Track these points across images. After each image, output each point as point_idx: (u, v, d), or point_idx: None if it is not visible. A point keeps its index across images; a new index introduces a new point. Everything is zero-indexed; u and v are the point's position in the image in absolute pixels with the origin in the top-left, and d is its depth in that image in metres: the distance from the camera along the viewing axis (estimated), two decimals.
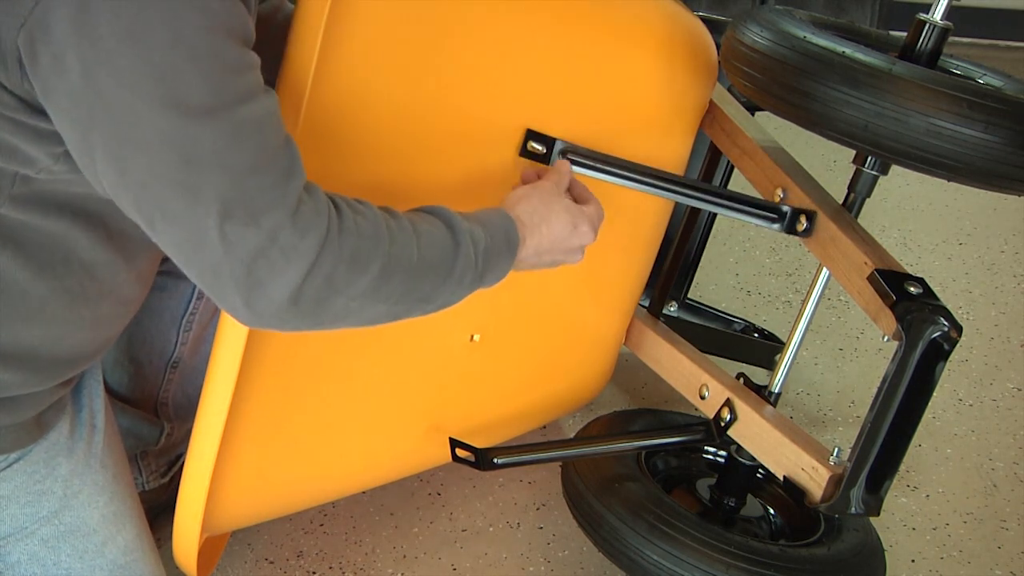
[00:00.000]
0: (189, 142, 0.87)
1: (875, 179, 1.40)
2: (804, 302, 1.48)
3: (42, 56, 0.86)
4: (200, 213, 0.89)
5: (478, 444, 1.47)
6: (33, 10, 0.85)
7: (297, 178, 0.94)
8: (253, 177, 0.90)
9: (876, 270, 1.30)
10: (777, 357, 1.51)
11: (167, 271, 1.41)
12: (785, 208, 1.40)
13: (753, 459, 1.48)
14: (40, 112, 0.92)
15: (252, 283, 0.92)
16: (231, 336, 1.14)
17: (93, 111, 0.86)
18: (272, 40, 1.10)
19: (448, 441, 1.47)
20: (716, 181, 1.87)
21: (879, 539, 1.52)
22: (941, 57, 1.35)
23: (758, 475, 1.57)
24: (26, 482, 1.14)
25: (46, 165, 0.97)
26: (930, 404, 1.28)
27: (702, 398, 1.56)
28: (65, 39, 0.84)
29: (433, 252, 1.04)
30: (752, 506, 1.59)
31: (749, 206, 1.40)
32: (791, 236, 1.40)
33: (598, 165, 1.35)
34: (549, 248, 1.19)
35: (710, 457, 1.68)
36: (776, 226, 1.40)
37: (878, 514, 1.33)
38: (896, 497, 1.83)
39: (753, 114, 1.61)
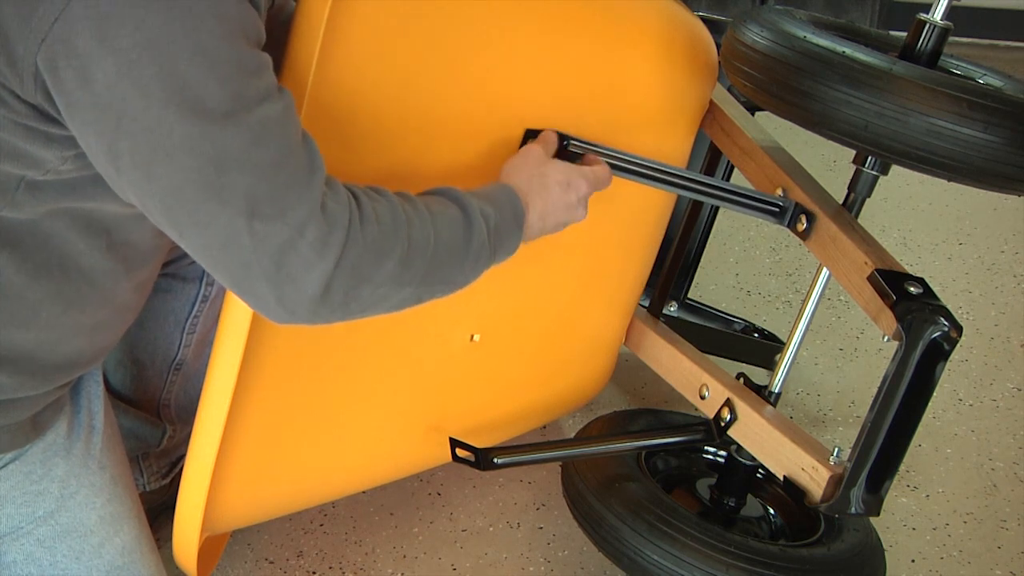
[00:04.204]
0: (214, 145, 0.89)
1: (875, 179, 1.40)
2: (804, 302, 1.48)
3: (64, 71, 0.87)
4: (229, 214, 0.91)
5: (478, 444, 1.47)
6: (53, 26, 0.85)
7: (319, 172, 0.96)
8: (278, 174, 0.92)
9: (876, 270, 1.30)
10: (777, 357, 1.51)
11: (171, 273, 1.41)
12: (787, 203, 1.40)
13: (753, 459, 1.48)
14: (52, 119, 0.92)
15: (283, 278, 0.94)
16: (231, 336, 1.14)
17: (119, 122, 0.87)
18: (275, 40, 1.11)
19: (448, 441, 1.47)
20: None
21: (879, 539, 1.52)
22: (941, 57, 1.35)
23: (758, 475, 1.57)
24: (22, 482, 1.14)
25: (53, 166, 0.97)
26: (930, 404, 1.28)
27: (702, 398, 1.56)
28: (88, 52, 0.85)
29: (449, 233, 1.07)
30: (752, 506, 1.59)
31: (751, 200, 1.40)
32: (791, 236, 1.40)
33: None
34: (552, 209, 1.21)
35: (710, 457, 1.68)
36: (775, 219, 1.40)
37: (878, 514, 1.33)
38: (896, 497, 1.83)
39: (753, 114, 1.61)
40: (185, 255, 1.40)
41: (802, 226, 1.39)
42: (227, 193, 0.90)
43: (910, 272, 1.31)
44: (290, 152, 0.94)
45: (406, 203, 1.04)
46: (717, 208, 1.93)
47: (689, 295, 2.10)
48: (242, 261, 0.93)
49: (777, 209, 1.40)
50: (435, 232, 1.05)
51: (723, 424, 1.50)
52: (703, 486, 1.60)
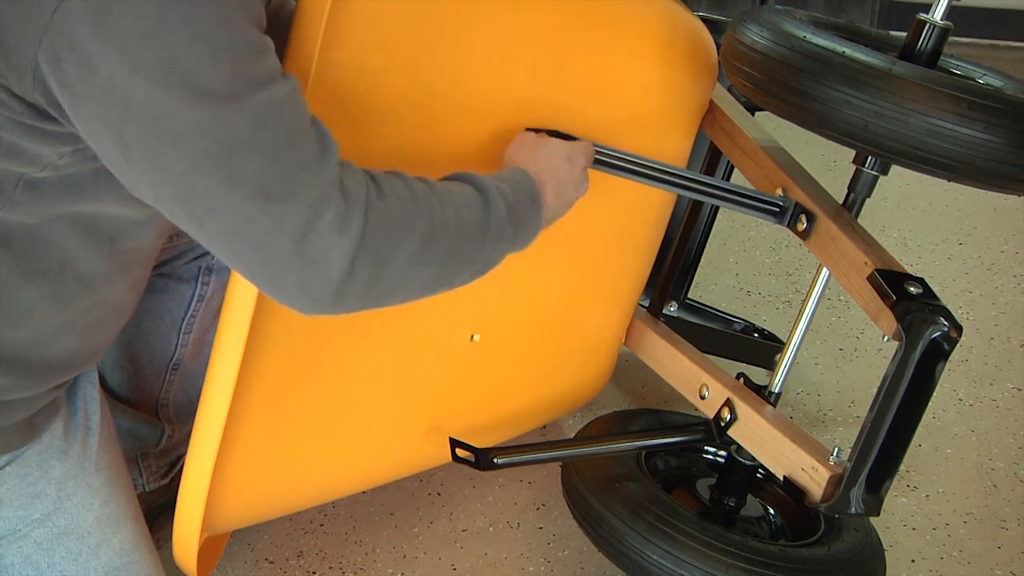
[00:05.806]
0: (220, 128, 0.88)
1: (875, 179, 1.40)
2: (804, 302, 1.47)
3: (67, 64, 0.86)
4: (242, 197, 0.90)
5: (478, 444, 1.47)
6: (52, 19, 0.85)
7: (331, 152, 0.95)
8: (287, 154, 0.91)
9: (876, 270, 1.30)
10: (777, 357, 1.50)
11: (167, 273, 1.41)
12: (787, 203, 1.40)
13: (753, 459, 1.48)
14: (49, 117, 0.92)
15: (304, 261, 0.92)
16: (232, 336, 1.14)
17: (124, 112, 0.87)
18: (276, 40, 1.11)
19: (448, 441, 1.47)
20: None
21: (879, 539, 1.52)
22: (941, 57, 1.35)
23: (758, 475, 1.57)
24: (19, 484, 1.14)
25: (51, 161, 0.97)
26: (930, 404, 1.28)
27: (702, 398, 1.56)
28: (89, 45, 0.85)
29: (468, 210, 1.06)
30: (752, 506, 1.59)
31: (751, 200, 1.40)
32: (791, 236, 1.40)
33: (600, 158, 1.35)
34: (564, 186, 1.22)
35: (710, 457, 1.68)
36: (775, 219, 1.40)
37: (878, 514, 1.33)
38: (896, 497, 1.83)
39: (753, 114, 1.61)
40: (181, 255, 1.41)
41: (802, 226, 1.39)
42: (238, 176, 0.89)
43: (910, 272, 1.31)
44: (299, 133, 0.93)
45: (422, 183, 1.04)
46: (717, 208, 1.93)
47: (689, 295, 2.10)
48: (259, 246, 0.92)
49: (777, 209, 1.40)
50: (455, 209, 1.04)
51: (723, 424, 1.50)
52: (703, 486, 1.60)
